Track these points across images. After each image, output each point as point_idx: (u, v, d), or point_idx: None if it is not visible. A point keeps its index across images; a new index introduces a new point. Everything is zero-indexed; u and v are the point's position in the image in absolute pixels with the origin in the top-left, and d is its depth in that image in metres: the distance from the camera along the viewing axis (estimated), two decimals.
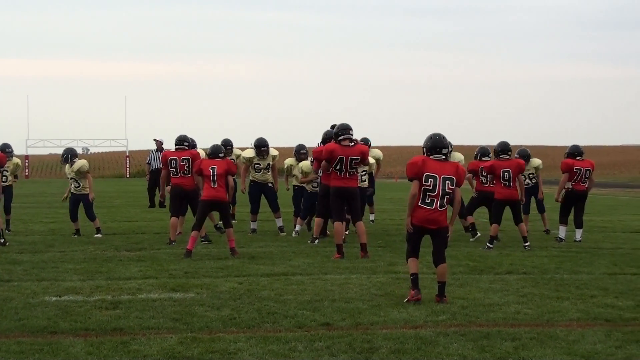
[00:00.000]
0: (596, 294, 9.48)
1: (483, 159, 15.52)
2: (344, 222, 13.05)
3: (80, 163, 15.65)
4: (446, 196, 9.07)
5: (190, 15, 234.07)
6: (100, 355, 6.64)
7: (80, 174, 15.60)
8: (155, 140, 25.44)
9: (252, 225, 16.49)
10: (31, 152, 74.63)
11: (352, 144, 12.71)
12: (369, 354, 6.69)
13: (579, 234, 15.43)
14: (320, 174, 14.14)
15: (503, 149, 14.48)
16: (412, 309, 8.49)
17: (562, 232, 15.53)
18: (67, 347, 6.87)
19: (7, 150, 16.35)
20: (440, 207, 9.05)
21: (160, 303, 8.73)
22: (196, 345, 6.92)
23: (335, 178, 12.73)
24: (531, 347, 6.95)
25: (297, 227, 15.94)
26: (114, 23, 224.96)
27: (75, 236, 15.54)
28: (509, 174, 14.14)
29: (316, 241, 14.43)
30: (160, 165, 23.00)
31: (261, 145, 16.17)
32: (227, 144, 16.92)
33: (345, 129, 12.82)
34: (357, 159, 12.66)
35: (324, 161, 12.84)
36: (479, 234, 15.35)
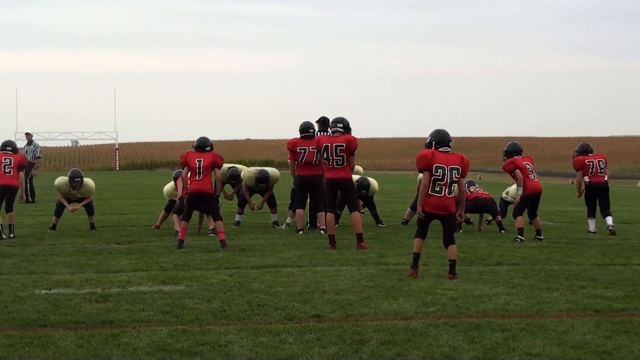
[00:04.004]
0: (586, 285, 9.50)
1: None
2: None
3: (92, 183, 15.97)
4: (453, 184, 10.02)
5: (180, 7, 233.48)
6: (90, 348, 6.62)
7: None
8: (26, 134, 26.29)
9: (237, 218, 16.49)
10: (20, 145, 74.43)
11: (339, 134, 12.80)
12: (359, 346, 6.69)
13: (610, 220, 15.36)
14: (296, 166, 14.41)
15: (517, 149, 14.42)
16: (402, 301, 8.50)
17: (591, 225, 15.54)
18: (57, 340, 6.85)
19: None
20: (448, 194, 10.01)
21: (151, 296, 8.72)
22: (186, 338, 6.91)
23: (327, 170, 12.82)
24: (521, 338, 6.96)
25: (288, 220, 15.96)
26: (103, 16, 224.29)
27: (51, 230, 15.48)
28: (530, 166, 14.19)
29: (300, 232, 14.57)
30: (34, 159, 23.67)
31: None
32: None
33: (333, 122, 13.01)
34: (342, 145, 12.65)
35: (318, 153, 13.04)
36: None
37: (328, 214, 12.82)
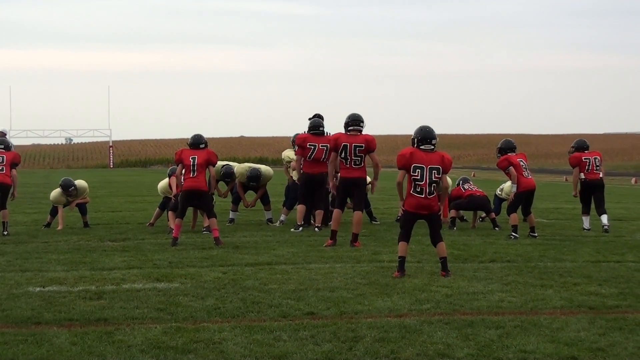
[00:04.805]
0: (580, 282, 9.51)
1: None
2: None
3: (84, 184, 16.10)
4: (433, 184, 9.92)
5: (174, 5, 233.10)
6: (84, 345, 6.61)
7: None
8: None
9: (231, 215, 16.49)
10: (14, 143, 74.35)
11: (358, 133, 12.76)
12: (354, 343, 6.69)
13: (604, 219, 15.33)
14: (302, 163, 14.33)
15: (511, 146, 14.43)
16: (397, 298, 8.50)
17: (586, 222, 15.53)
18: (51, 337, 6.84)
19: None
20: (429, 194, 9.93)
21: (145, 293, 8.71)
22: (180, 335, 6.91)
23: (342, 168, 12.78)
24: (515, 335, 6.97)
25: (282, 217, 15.96)
26: (97, 13, 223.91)
27: (45, 228, 15.53)
28: (524, 163, 14.21)
29: (300, 229, 14.53)
30: None
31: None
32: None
33: (354, 120, 12.87)
34: (361, 146, 12.64)
35: (332, 152, 12.85)
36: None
37: (335, 210, 12.82)
